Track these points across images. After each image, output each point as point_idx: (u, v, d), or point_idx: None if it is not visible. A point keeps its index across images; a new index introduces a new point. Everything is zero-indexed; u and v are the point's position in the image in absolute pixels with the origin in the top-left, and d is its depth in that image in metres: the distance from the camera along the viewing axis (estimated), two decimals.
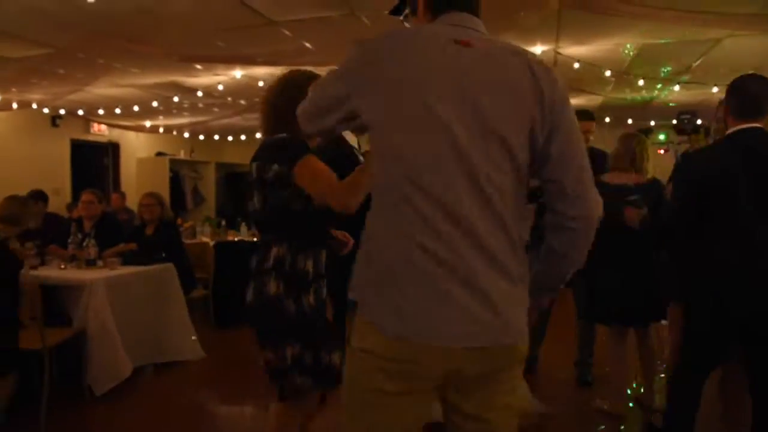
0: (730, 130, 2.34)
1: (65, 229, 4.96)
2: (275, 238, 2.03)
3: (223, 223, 6.59)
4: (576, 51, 4.79)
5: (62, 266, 4.22)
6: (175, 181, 9.63)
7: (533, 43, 4.64)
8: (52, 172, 7.91)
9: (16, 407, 3.50)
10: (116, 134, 9.11)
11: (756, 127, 2.28)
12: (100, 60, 5.50)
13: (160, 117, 8.66)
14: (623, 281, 3.08)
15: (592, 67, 5.03)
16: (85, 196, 4.82)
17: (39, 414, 3.25)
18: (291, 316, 1.98)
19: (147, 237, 4.70)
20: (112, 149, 9.12)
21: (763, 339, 2.24)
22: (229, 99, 6.73)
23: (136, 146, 9.60)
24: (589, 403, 3.50)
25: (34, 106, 7.01)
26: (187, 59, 5.38)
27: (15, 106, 6.93)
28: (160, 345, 4.23)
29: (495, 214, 1.25)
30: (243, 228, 6.25)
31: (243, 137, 10.04)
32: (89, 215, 4.78)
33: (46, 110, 7.38)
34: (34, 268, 4.06)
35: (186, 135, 9.64)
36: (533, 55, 1.35)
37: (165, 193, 9.29)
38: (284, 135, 2.05)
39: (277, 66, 5.50)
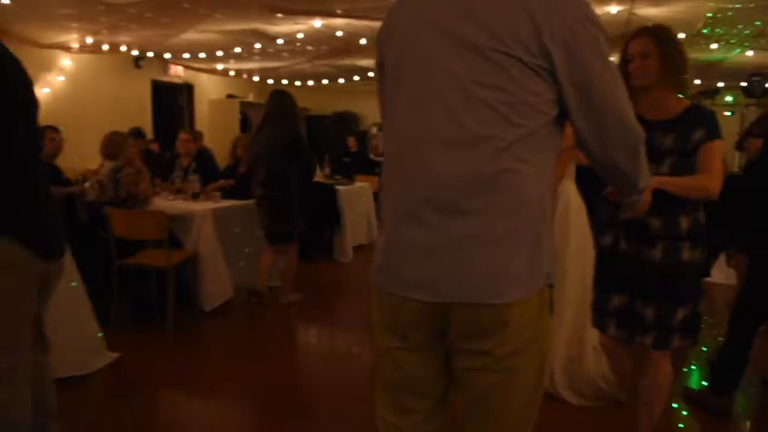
0: None
1: (162, 165, 5.53)
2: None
3: None
4: (650, 12, 4.93)
5: (170, 198, 4.76)
6: (244, 123, 10.12)
7: (608, 2, 4.81)
8: (135, 112, 8.46)
9: (142, 316, 4.13)
10: (190, 75, 9.59)
11: None
12: (185, 5, 5.86)
13: (231, 61, 9.06)
14: None
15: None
16: (183, 135, 5.33)
17: (165, 323, 3.85)
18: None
19: (241, 175, 5.19)
20: (187, 90, 9.62)
21: None
22: (310, 48, 7.04)
23: (208, 88, 10.08)
24: None
25: (123, 48, 7.49)
26: (270, 8, 5.71)
27: (106, 47, 7.43)
28: (251, 272, 4.77)
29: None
30: (318, 170, 6.72)
31: (310, 83, 10.40)
32: (186, 152, 5.29)
33: (135, 52, 7.84)
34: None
35: (256, 79, 10.03)
36: None
37: (236, 134, 9.82)
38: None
39: (354, 18, 5.81)
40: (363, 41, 6.40)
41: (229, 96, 10.14)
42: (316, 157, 7.51)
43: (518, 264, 1.22)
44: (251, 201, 4.80)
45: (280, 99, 4.49)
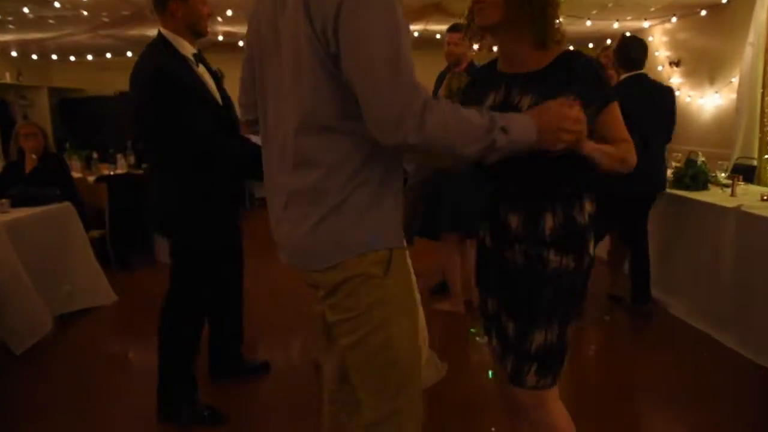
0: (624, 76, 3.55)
1: None
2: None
3: (95, 155, 5.88)
4: None
5: None
6: (3, 109, 8.27)
7: None
8: None
9: None
10: None
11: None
12: None
13: None
14: (464, 192, 3.39)
15: None
16: None
17: None
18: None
19: (30, 174, 4.08)
20: None
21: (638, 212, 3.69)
22: (105, 15, 5.88)
23: None
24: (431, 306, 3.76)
25: None
26: None
27: None
28: (71, 292, 3.82)
29: None
30: (121, 160, 5.67)
31: (89, 57, 8.78)
32: None
33: None
34: None
35: (14, 54, 8.13)
36: None
37: None
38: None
39: None
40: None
41: None
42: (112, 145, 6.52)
43: None
44: (52, 206, 3.83)
45: None
